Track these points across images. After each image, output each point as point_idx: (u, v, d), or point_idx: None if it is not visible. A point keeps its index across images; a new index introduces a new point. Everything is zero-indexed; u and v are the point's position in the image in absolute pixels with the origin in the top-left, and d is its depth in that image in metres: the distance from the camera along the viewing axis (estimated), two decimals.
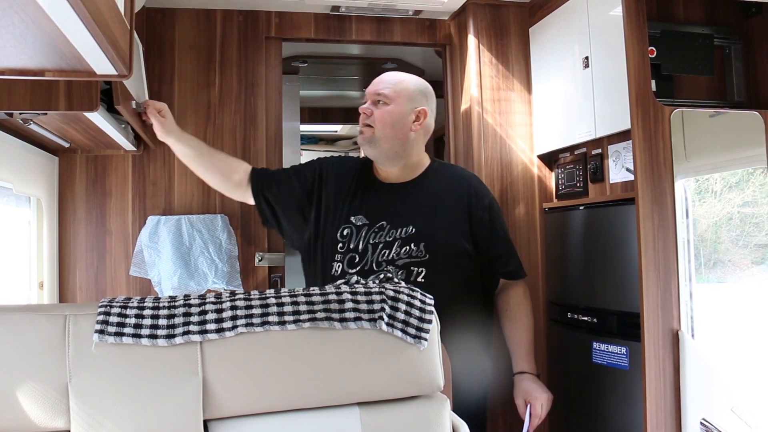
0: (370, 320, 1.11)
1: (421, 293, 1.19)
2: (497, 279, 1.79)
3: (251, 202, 1.83)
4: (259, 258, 2.19)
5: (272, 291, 1.12)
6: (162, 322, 1.04)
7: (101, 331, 1.01)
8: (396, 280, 1.24)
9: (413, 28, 2.35)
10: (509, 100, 2.23)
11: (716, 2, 1.92)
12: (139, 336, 1.03)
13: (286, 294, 1.11)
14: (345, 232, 1.70)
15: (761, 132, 1.72)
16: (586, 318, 1.91)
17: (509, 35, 2.25)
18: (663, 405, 1.57)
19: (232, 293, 1.11)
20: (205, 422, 1.05)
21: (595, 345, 1.84)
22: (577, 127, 1.98)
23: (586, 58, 1.92)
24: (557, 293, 2.13)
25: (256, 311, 1.08)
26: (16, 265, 1.90)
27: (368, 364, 1.11)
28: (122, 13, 0.95)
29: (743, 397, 1.59)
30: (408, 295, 1.16)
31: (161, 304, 1.07)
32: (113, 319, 1.03)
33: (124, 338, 1.02)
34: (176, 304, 1.07)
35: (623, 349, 1.75)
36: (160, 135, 1.71)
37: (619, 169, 1.87)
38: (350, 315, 1.11)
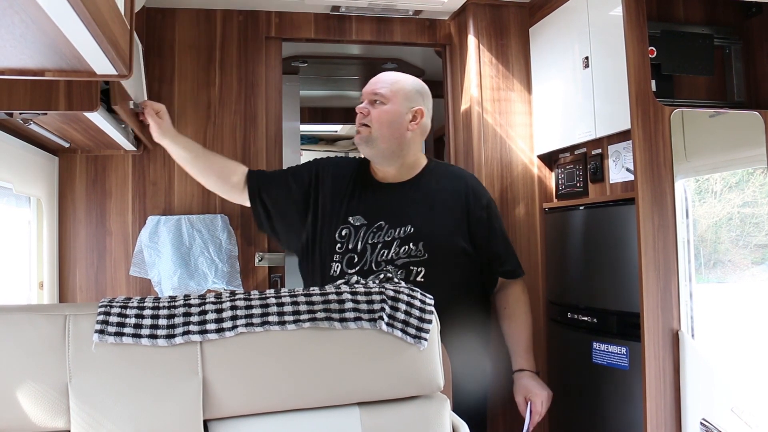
0: (370, 320, 1.11)
1: (421, 293, 1.19)
2: (496, 278, 1.80)
3: (248, 204, 1.82)
4: (259, 258, 2.19)
5: (272, 291, 1.12)
6: (162, 322, 1.04)
7: (101, 331, 1.01)
8: (396, 280, 1.24)
9: (413, 28, 2.35)
10: (509, 100, 2.23)
11: (716, 2, 1.92)
12: (139, 336, 1.03)
13: (286, 294, 1.11)
14: (343, 233, 1.70)
15: (761, 132, 1.72)
16: (586, 318, 1.91)
17: (509, 35, 2.25)
18: (663, 405, 1.57)
19: (232, 293, 1.12)
20: (205, 422, 1.05)
21: (595, 345, 1.84)
22: (577, 127, 1.98)
23: (586, 58, 1.92)
24: (557, 293, 2.13)
25: (256, 311, 1.08)
26: (16, 265, 1.90)
27: (368, 364, 1.11)
28: (122, 13, 0.95)
29: (743, 397, 1.59)
30: (408, 295, 1.16)
31: (161, 304, 1.07)
32: (113, 319, 1.03)
33: (124, 338, 1.02)
34: (176, 304, 1.07)
35: (623, 349, 1.75)
36: (156, 136, 1.71)
37: (619, 169, 1.87)
38: (350, 315, 1.11)
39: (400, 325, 1.12)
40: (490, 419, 2.00)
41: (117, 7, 0.91)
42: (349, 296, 1.13)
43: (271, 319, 1.07)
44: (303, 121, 3.42)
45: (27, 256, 1.93)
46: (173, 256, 2.06)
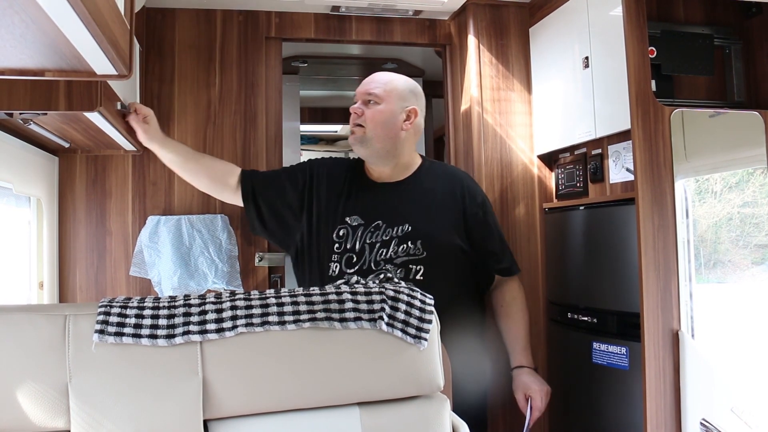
0: (370, 320, 1.11)
1: (421, 293, 1.19)
2: (492, 275, 1.81)
3: (241, 204, 1.82)
4: (259, 258, 2.19)
5: (272, 291, 1.13)
6: (162, 322, 1.04)
7: (101, 331, 1.01)
8: (396, 279, 1.24)
9: (413, 28, 2.35)
10: (509, 100, 2.23)
11: (716, 2, 1.92)
12: (139, 336, 1.03)
13: (286, 294, 1.11)
14: (341, 233, 1.71)
15: (761, 132, 1.72)
16: (586, 318, 1.91)
17: (509, 35, 2.25)
18: (663, 405, 1.57)
19: (232, 293, 1.12)
20: (205, 422, 1.05)
21: (595, 345, 1.84)
22: (577, 127, 1.98)
23: (586, 58, 1.92)
24: (557, 293, 2.13)
25: (256, 311, 1.08)
26: (16, 265, 1.90)
27: (368, 364, 1.11)
28: (122, 13, 0.95)
29: (743, 397, 1.59)
30: (408, 295, 1.16)
31: (161, 304, 1.07)
32: (113, 319, 1.03)
33: (124, 338, 1.02)
34: (176, 304, 1.08)
35: (623, 349, 1.75)
36: (144, 141, 1.71)
37: (619, 169, 1.87)
38: (350, 315, 1.11)
39: (400, 325, 1.12)
40: (490, 419, 2.00)
41: (117, 7, 0.91)
42: (349, 296, 1.13)
43: (271, 319, 1.07)
44: (303, 121, 3.42)
45: (27, 256, 1.93)
46: (173, 256, 2.06)
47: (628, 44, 1.62)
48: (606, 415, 1.83)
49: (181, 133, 2.16)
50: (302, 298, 1.11)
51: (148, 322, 1.04)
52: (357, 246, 1.69)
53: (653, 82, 1.67)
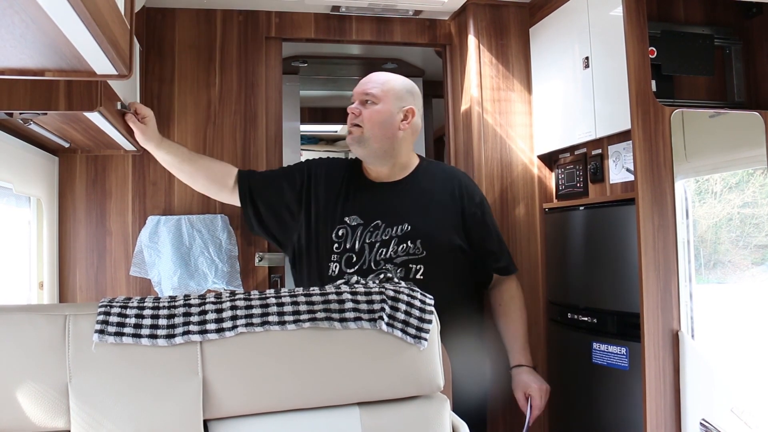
0: (370, 320, 1.11)
1: (421, 293, 1.19)
2: (491, 274, 1.82)
3: (239, 204, 1.82)
4: (259, 258, 2.19)
5: (272, 291, 1.13)
6: (162, 322, 1.04)
7: (101, 331, 1.01)
8: (396, 279, 1.24)
9: (413, 28, 2.35)
10: (509, 100, 2.23)
11: (716, 2, 1.92)
12: (139, 336, 1.03)
13: (286, 294, 1.12)
14: (340, 233, 1.71)
15: (761, 132, 1.72)
16: (586, 318, 1.91)
17: (509, 35, 2.25)
18: (663, 405, 1.57)
19: (232, 293, 1.12)
20: (205, 422, 1.06)
21: (595, 345, 1.84)
22: (577, 128, 1.98)
23: (587, 58, 1.92)
24: (557, 293, 2.13)
25: (256, 311, 1.08)
26: (16, 265, 1.90)
27: (368, 364, 1.11)
28: (122, 13, 0.95)
29: (743, 397, 1.59)
30: (408, 295, 1.16)
31: (161, 304, 1.07)
32: (113, 319, 1.03)
33: (124, 338, 1.02)
34: (176, 304, 1.08)
35: (623, 350, 1.75)
36: (141, 141, 1.71)
37: (619, 169, 1.87)
38: (350, 315, 1.11)
39: (400, 325, 1.12)
40: (490, 419, 2.00)
41: (117, 7, 0.91)
42: (349, 296, 1.13)
43: (271, 319, 1.08)
44: (303, 121, 3.42)
45: (27, 256, 1.93)
46: (173, 256, 2.06)
47: (629, 44, 1.62)
48: (606, 415, 1.83)
49: (181, 133, 2.16)
50: (302, 298, 1.11)
51: (148, 322, 1.04)
52: (356, 246, 1.69)
53: (653, 82, 1.68)
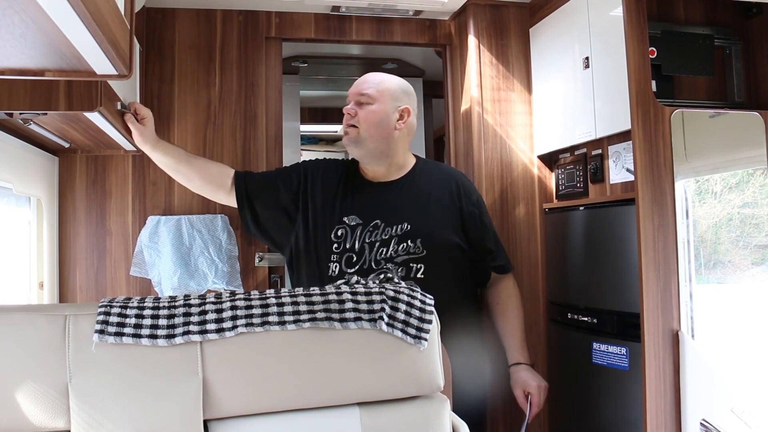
0: (370, 320, 1.11)
1: (421, 293, 1.19)
2: (488, 273, 1.84)
3: (235, 205, 1.82)
4: (259, 258, 2.19)
5: (272, 291, 1.13)
6: (162, 322, 1.04)
7: (101, 331, 1.01)
8: (396, 279, 1.24)
9: (413, 28, 2.35)
10: (509, 101, 2.23)
11: (716, 2, 1.92)
12: (139, 336, 1.03)
13: (286, 294, 1.12)
14: (339, 233, 1.71)
15: (761, 132, 1.72)
16: (586, 318, 1.91)
17: (509, 35, 2.25)
18: (663, 405, 1.57)
19: (232, 293, 1.12)
20: (205, 422, 1.06)
21: (595, 345, 1.84)
22: (577, 128, 1.98)
23: (587, 58, 1.92)
24: (557, 293, 2.13)
25: (256, 311, 1.08)
26: (16, 265, 1.90)
27: (368, 364, 1.11)
28: (122, 13, 0.95)
29: (743, 397, 1.59)
30: (408, 295, 1.16)
31: (161, 304, 1.07)
32: (113, 319, 1.03)
33: (124, 338, 1.02)
34: (176, 304, 1.08)
35: (623, 350, 1.75)
36: (138, 142, 1.71)
37: (619, 169, 1.87)
38: (350, 315, 1.11)
39: (400, 326, 1.12)
40: (490, 419, 2.00)
41: (117, 7, 0.91)
42: (349, 296, 1.13)
43: (271, 319, 1.08)
44: (303, 121, 3.41)
45: (27, 256, 1.93)
46: (173, 256, 2.06)
47: (629, 44, 1.62)
48: (606, 415, 1.83)
49: (181, 133, 2.16)
50: (302, 298, 1.11)
51: (148, 322, 1.04)
52: (356, 245, 1.69)
53: (653, 83, 1.67)
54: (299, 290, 1.13)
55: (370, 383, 1.11)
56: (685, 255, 1.62)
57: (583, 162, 2.04)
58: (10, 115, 1.35)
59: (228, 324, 1.06)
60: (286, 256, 1.82)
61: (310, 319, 1.09)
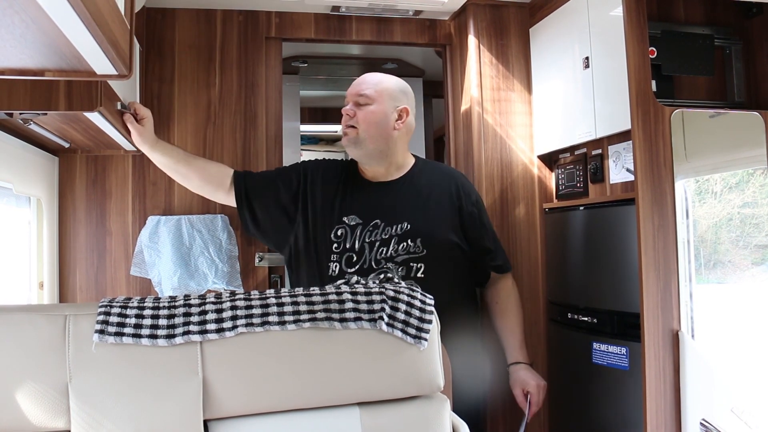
0: (370, 320, 1.11)
1: (421, 293, 1.19)
2: (488, 273, 1.85)
3: (234, 204, 1.82)
4: (259, 258, 2.19)
5: (272, 291, 1.13)
6: (162, 322, 1.04)
7: (101, 331, 1.01)
8: (396, 279, 1.24)
9: (413, 28, 2.35)
10: (509, 101, 2.23)
11: (716, 2, 1.92)
12: (139, 336, 1.03)
13: (286, 294, 1.12)
14: (339, 233, 1.71)
15: (761, 132, 1.72)
16: (586, 318, 1.91)
17: (509, 35, 2.25)
18: (663, 405, 1.57)
19: (232, 293, 1.12)
20: (205, 422, 1.06)
21: (595, 345, 1.84)
22: (577, 128, 1.98)
23: (587, 58, 1.92)
24: (557, 293, 2.13)
25: (256, 311, 1.08)
26: (16, 265, 1.90)
27: (368, 364, 1.11)
28: (122, 13, 0.95)
29: (743, 397, 1.59)
30: (408, 295, 1.16)
31: (161, 304, 1.07)
32: (113, 319, 1.03)
33: (124, 338, 1.02)
34: (176, 304, 1.08)
35: (623, 350, 1.75)
36: (136, 142, 1.71)
37: (619, 169, 1.87)
38: (350, 315, 1.11)
39: (400, 326, 1.12)
40: (490, 418, 2.01)
41: (117, 7, 0.91)
42: (349, 296, 1.13)
43: (271, 319, 1.08)
44: (303, 121, 3.41)
45: (27, 256, 1.93)
46: (173, 257, 2.06)
47: (629, 44, 1.62)
48: (606, 415, 1.83)
49: (181, 133, 2.16)
50: (302, 299, 1.11)
51: (148, 322, 1.04)
52: (356, 245, 1.69)
53: (653, 83, 1.67)
54: (299, 290, 1.13)
55: (370, 383, 1.11)
56: (685, 255, 1.62)
57: (583, 162, 2.04)
58: (10, 115, 1.35)
59: (228, 324, 1.06)
60: (285, 257, 1.82)
61: (310, 319, 1.09)
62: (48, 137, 1.71)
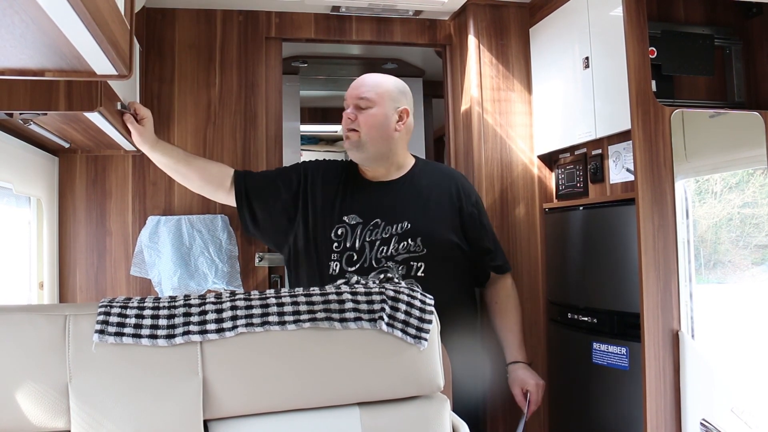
0: (370, 320, 1.11)
1: (421, 293, 1.19)
2: (487, 273, 1.85)
3: (234, 204, 1.82)
4: (259, 258, 2.19)
5: (272, 291, 1.13)
6: (162, 322, 1.04)
7: (101, 331, 1.01)
8: (396, 278, 1.24)
9: (413, 28, 2.35)
10: (509, 101, 2.23)
11: (716, 2, 1.92)
12: (139, 336, 1.03)
13: (286, 294, 1.12)
14: (339, 232, 1.71)
15: (761, 132, 1.72)
16: (586, 318, 1.91)
17: (509, 35, 2.25)
18: (663, 405, 1.57)
19: (232, 293, 1.12)
20: (205, 422, 1.05)
21: (595, 345, 1.84)
22: (577, 128, 1.98)
23: (587, 58, 1.92)
24: (557, 293, 2.13)
25: (256, 311, 1.08)
26: (16, 265, 1.90)
27: (368, 364, 1.11)
28: (122, 13, 0.95)
29: (743, 397, 1.59)
30: (408, 295, 1.16)
31: (161, 305, 1.07)
32: (113, 319, 1.03)
33: (124, 338, 1.02)
34: (176, 304, 1.08)
35: (623, 350, 1.75)
36: (136, 142, 1.71)
37: (619, 169, 1.87)
38: (350, 315, 1.11)
39: (400, 326, 1.12)
40: (489, 418, 2.01)
41: (117, 7, 0.91)
42: (349, 296, 1.13)
43: (271, 319, 1.08)
44: (303, 121, 3.42)
45: (27, 256, 1.93)
46: (173, 257, 2.06)
47: (629, 44, 1.62)
48: (606, 415, 1.83)
49: (181, 133, 2.16)
50: (302, 298, 1.11)
51: (148, 322, 1.04)
52: (357, 244, 1.69)
53: (653, 83, 1.67)
54: (299, 290, 1.13)
55: (370, 383, 1.11)
56: (685, 255, 1.62)
57: (583, 162, 2.04)
58: (10, 115, 1.35)
59: (228, 324, 1.06)
60: (285, 257, 1.82)
61: (310, 319, 1.09)
62: (48, 137, 1.71)
